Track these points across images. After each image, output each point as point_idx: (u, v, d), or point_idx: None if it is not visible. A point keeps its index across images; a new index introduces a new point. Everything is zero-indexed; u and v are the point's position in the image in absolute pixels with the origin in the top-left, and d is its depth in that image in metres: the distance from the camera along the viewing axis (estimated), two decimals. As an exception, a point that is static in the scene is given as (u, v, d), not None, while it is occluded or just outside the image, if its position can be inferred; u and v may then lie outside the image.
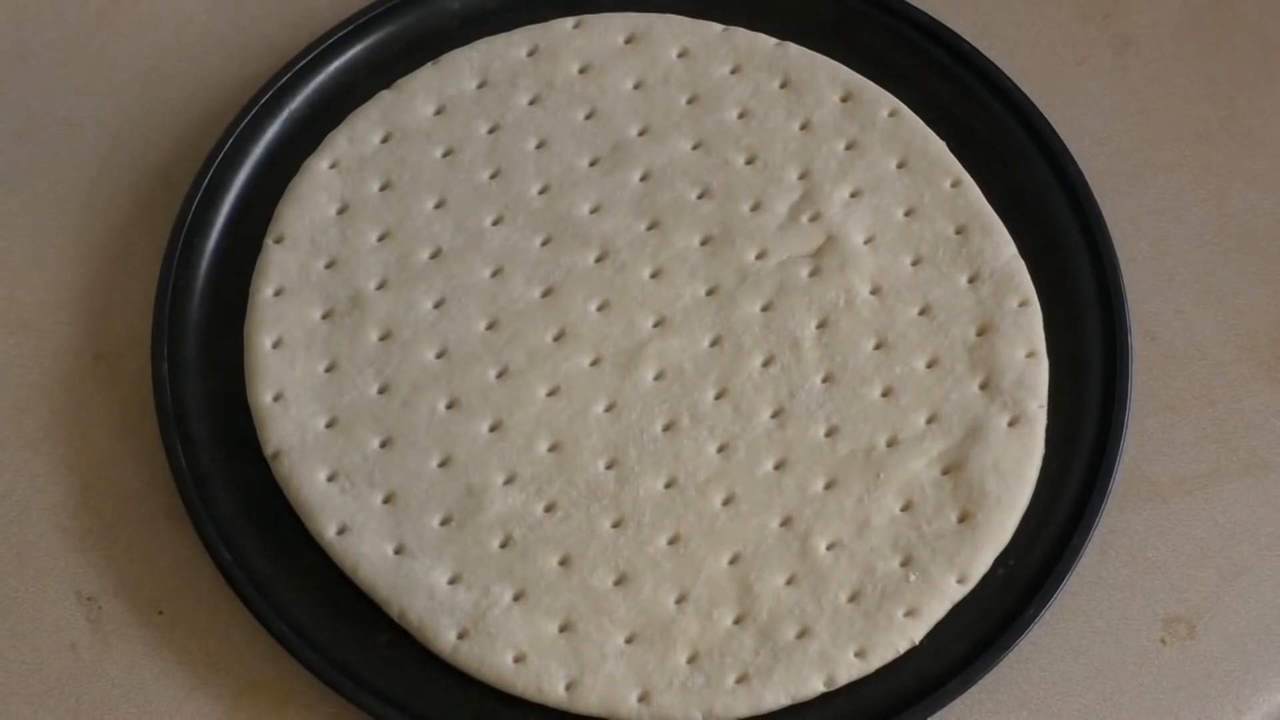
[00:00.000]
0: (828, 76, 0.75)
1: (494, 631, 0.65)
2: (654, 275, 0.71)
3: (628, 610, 0.65)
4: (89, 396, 0.71)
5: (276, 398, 0.69)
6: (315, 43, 0.75)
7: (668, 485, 0.67)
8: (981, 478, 0.67)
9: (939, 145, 0.74)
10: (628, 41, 0.76)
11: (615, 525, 0.67)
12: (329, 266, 0.72)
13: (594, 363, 0.70)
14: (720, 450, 0.68)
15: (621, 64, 0.75)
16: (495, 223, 0.72)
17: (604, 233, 0.72)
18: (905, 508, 0.67)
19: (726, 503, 0.67)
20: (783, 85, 0.75)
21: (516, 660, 0.65)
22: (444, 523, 0.67)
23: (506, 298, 0.71)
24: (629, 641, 0.65)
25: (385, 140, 0.74)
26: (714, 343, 0.70)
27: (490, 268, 0.71)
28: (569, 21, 0.76)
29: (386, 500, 0.67)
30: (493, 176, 0.73)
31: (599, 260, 0.71)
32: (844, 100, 0.74)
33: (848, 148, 0.73)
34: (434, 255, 0.72)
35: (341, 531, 0.67)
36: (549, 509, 0.67)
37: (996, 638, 0.65)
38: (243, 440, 0.69)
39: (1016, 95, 0.74)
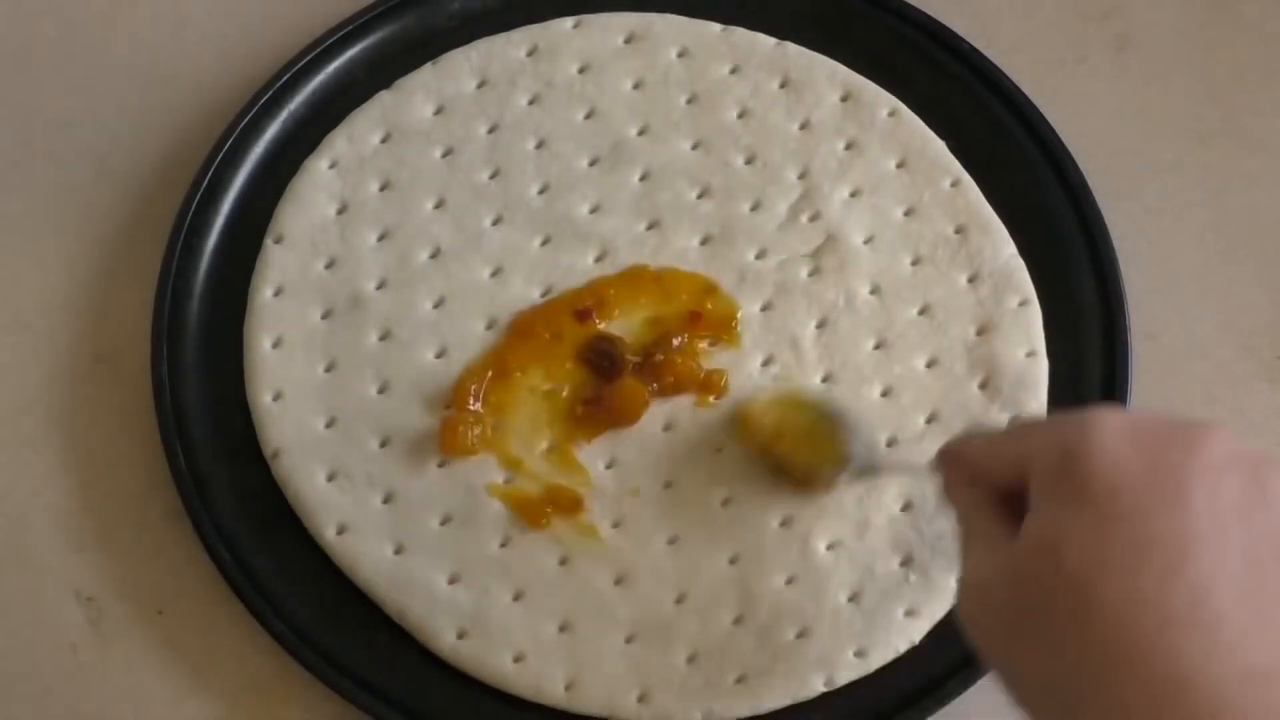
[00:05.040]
0: (827, 76, 0.75)
1: (493, 631, 0.65)
2: (654, 275, 0.71)
3: (627, 610, 0.65)
4: (89, 397, 0.71)
5: (276, 398, 0.69)
6: (315, 43, 0.75)
7: (667, 485, 0.67)
8: (981, 477, 0.67)
9: (938, 145, 0.74)
10: (627, 41, 0.76)
11: (614, 525, 0.67)
12: (328, 266, 0.72)
13: (594, 363, 0.70)
14: (719, 450, 0.68)
15: (621, 64, 0.75)
16: (495, 223, 0.72)
17: (603, 233, 0.72)
18: (905, 508, 0.67)
19: (726, 503, 0.67)
20: (782, 85, 0.75)
21: (516, 660, 0.65)
22: (443, 523, 0.67)
23: (506, 298, 0.71)
24: (628, 641, 0.65)
25: (385, 140, 0.74)
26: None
27: (490, 268, 0.71)
28: (568, 21, 0.76)
29: (386, 500, 0.67)
30: (492, 176, 0.73)
31: (598, 260, 0.71)
32: (843, 100, 0.74)
33: (847, 147, 0.73)
34: (433, 255, 0.72)
35: (341, 531, 0.67)
36: (549, 509, 0.67)
37: (996, 637, 0.65)
38: (242, 440, 0.69)
39: (1016, 95, 0.74)
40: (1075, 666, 0.45)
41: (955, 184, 0.73)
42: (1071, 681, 0.45)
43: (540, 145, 0.74)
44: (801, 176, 0.73)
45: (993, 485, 0.52)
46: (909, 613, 0.65)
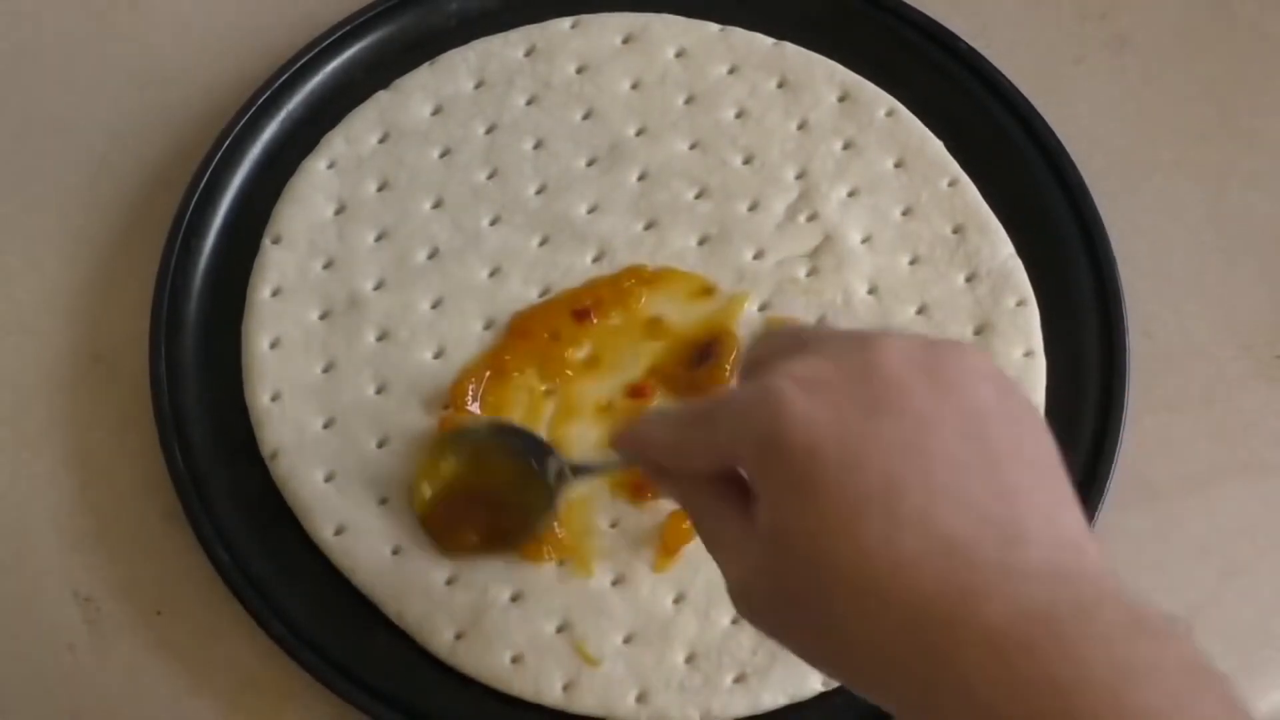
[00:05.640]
0: (825, 76, 0.75)
1: (491, 632, 0.65)
2: (651, 275, 0.71)
3: (625, 610, 0.65)
4: (87, 397, 0.71)
5: (274, 398, 0.69)
6: (313, 43, 0.75)
7: (665, 485, 0.67)
8: (979, 477, 0.67)
9: (936, 145, 0.74)
10: (625, 41, 0.76)
11: (612, 525, 0.67)
12: (326, 267, 0.72)
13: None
14: (717, 449, 0.68)
15: (618, 64, 0.75)
16: (493, 223, 0.72)
17: (601, 233, 0.72)
18: (903, 507, 0.67)
19: (724, 502, 0.67)
20: (780, 85, 0.75)
21: (514, 660, 0.65)
22: (441, 523, 0.67)
23: (504, 298, 0.71)
24: (626, 641, 0.65)
25: (383, 140, 0.74)
26: (711, 342, 0.70)
27: (488, 268, 0.71)
28: (566, 21, 0.76)
29: (384, 501, 0.67)
30: (490, 177, 0.73)
31: (596, 260, 0.71)
32: (841, 100, 0.74)
33: (845, 147, 0.73)
34: (431, 255, 0.72)
35: (339, 532, 0.67)
36: (547, 509, 0.67)
37: (994, 637, 0.65)
38: (240, 441, 0.69)
39: (1014, 95, 0.74)
40: (844, 633, 0.45)
41: (953, 184, 0.73)
42: (849, 648, 0.45)
43: (538, 145, 0.74)
44: (799, 176, 0.73)
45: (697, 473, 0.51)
46: (907, 612, 0.65)
